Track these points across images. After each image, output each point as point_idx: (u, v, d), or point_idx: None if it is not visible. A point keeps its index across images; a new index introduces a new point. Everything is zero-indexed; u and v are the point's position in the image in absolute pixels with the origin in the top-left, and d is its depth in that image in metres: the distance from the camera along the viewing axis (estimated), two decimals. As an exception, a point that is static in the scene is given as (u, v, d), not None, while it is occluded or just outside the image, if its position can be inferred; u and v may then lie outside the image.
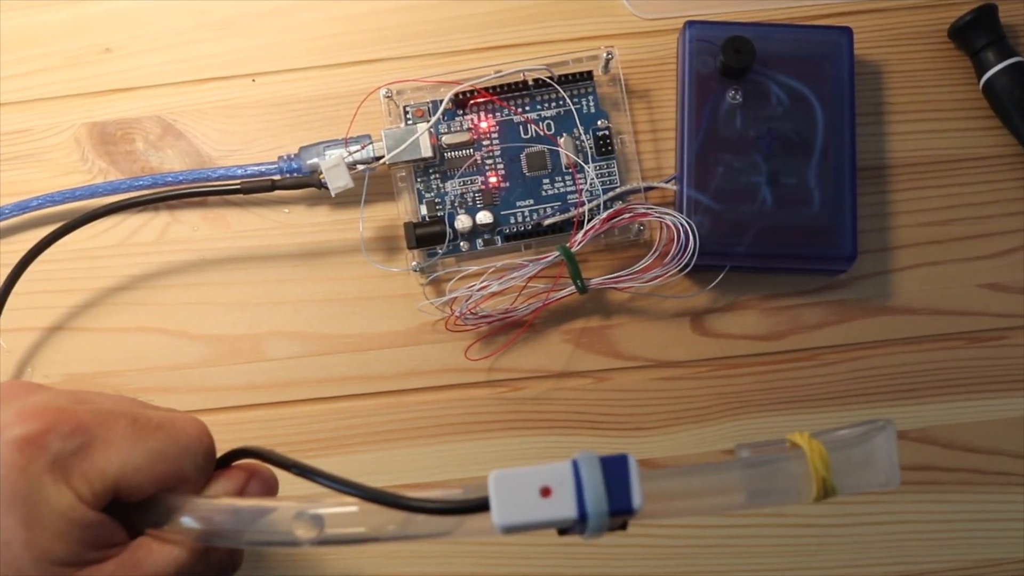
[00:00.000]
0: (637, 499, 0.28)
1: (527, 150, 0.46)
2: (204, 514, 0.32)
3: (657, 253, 0.45)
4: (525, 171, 0.46)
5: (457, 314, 0.45)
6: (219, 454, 0.35)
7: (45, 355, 0.46)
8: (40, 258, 0.46)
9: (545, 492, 0.28)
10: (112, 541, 0.31)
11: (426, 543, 0.45)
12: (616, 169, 0.46)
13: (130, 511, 0.32)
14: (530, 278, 0.45)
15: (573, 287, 0.45)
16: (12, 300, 0.45)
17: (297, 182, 0.45)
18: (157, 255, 0.47)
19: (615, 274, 0.45)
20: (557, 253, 0.45)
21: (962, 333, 0.47)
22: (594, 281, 0.45)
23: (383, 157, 0.45)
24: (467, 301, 0.45)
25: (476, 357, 0.46)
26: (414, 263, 0.46)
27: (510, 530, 0.28)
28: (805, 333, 0.47)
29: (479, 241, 0.46)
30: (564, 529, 0.29)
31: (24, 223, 0.48)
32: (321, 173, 0.45)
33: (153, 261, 0.47)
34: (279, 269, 0.47)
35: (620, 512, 0.28)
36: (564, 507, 0.28)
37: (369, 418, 0.46)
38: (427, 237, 0.45)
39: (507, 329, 0.46)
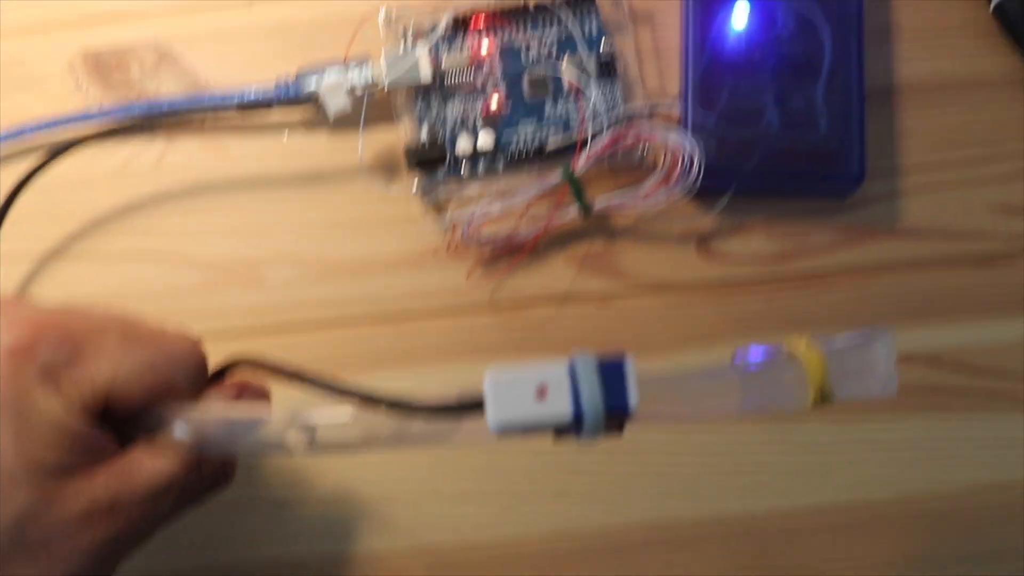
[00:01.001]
0: (633, 398, 0.28)
1: (529, 73, 0.45)
2: (196, 424, 0.32)
3: (661, 176, 0.44)
4: (527, 94, 0.46)
5: (459, 237, 0.44)
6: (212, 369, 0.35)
7: (42, 283, 0.46)
8: (36, 186, 0.45)
9: (541, 392, 0.28)
10: (103, 451, 0.31)
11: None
12: (619, 92, 0.46)
13: (121, 423, 0.32)
14: (533, 201, 0.44)
15: (576, 210, 0.44)
16: (7, 227, 0.44)
17: (296, 104, 0.44)
18: (155, 182, 0.47)
19: (619, 197, 0.44)
20: (560, 176, 0.44)
21: (970, 256, 0.47)
22: (598, 204, 0.44)
23: (382, 80, 0.44)
24: (468, 224, 0.44)
25: (478, 280, 0.45)
26: (415, 186, 0.45)
27: (505, 430, 0.28)
28: (812, 256, 0.47)
29: (480, 165, 0.45)
30: (560, 432, 0.29)
31: (19, 151, 0.47)
32: (320, 97, 0.44)
33: (150, 188, 0.47)
34: (277, 194, 0.46)
35: (616, 411, 0.28)
36: (560, 406, 0.28)
37: (369, 343, 0.46)
38: (427, 160, 0.45)
39: (509, 253, 0.46)
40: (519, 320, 0.46)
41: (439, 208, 0.46)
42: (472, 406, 0.28)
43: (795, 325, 0.46)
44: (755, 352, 0.32)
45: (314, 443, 0.31)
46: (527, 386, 0.28)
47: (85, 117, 0.46)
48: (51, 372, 0.29)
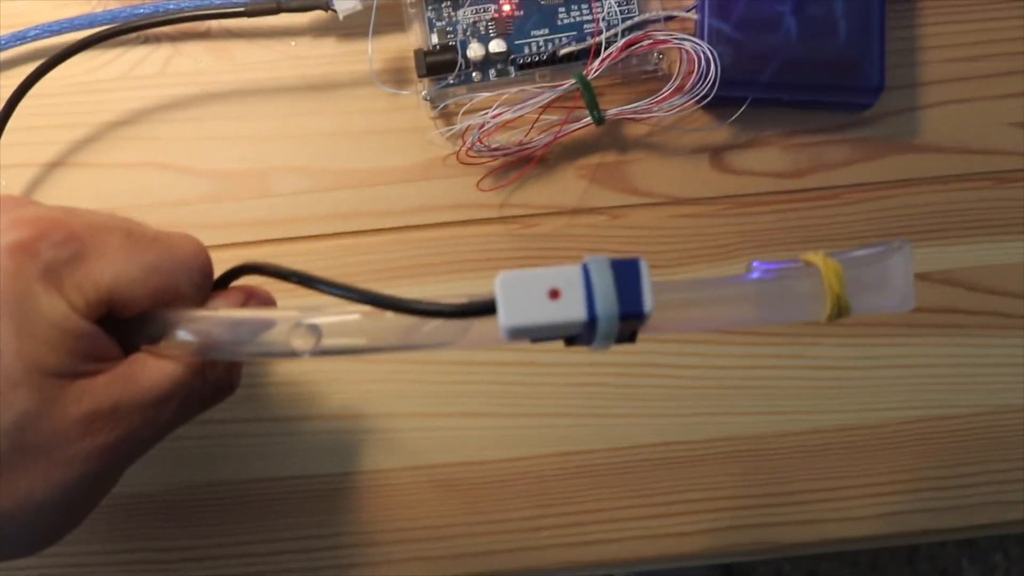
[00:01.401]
0: (648, 302, 0.27)
1: (542, -24, 0.44)
2: (201, 327, 0.31)
3: (676, 84, 0.43)
4: (540, -1, 0.44)
5: (468, 145, 0.43)
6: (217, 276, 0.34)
7: (45, 191, 0.45)
8: (39, 91, 0.44)
9: (554, 294, 0.27)
10: (106, 355, 0.30)
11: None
12: (635, -2, 0.44)
13: (124, 327, 0.31)
14: (545, 106, 0.43)
15: (589, 119, 0.44)
16: (10, 135, 0.44)
17: (304, 5, 0.43)
18: (159, 88, 0.46)
19: (632, 104, 0.43)
20: (573, 81, 0.43)
21: (991, 173, 0.46)
22: (611, 112, 0.43)
23: (392, -18, 0.43)
24: (479, 132, 0.43)
25: (488, 188, 0.44)
26: (424, 92, 0.44)
27: (517, 333, 0.27)
28: (828, 171, 0.46)
29: (492, 71, 0.45)
30: (571, 339, 0.28)
31: (22, 55, 0.46)
32: (328, -3, 0.43)
33: (155, 95, 0.46)
34: (285, 102, 0.45)
35: (630, 316, 0.27)
36: (573, 309, 0.27)
37: (377, 254, 0.45)
38: (438, 65, 0.44)
39: (520, 163, 0.45)
40: (529, 231, 0.45)
41: (449, 116, 0.45)
42: (483, 309, 0.27)
43: (809, 241, 0.45)
44: (771, 265, 0.31)
45: (320, 346, 0.30)
46: (539, 289, 0.27)
47: (89, 21, 0.45)
48: (54, 271, 0.28)
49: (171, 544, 0.45)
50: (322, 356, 0.30)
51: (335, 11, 0.42)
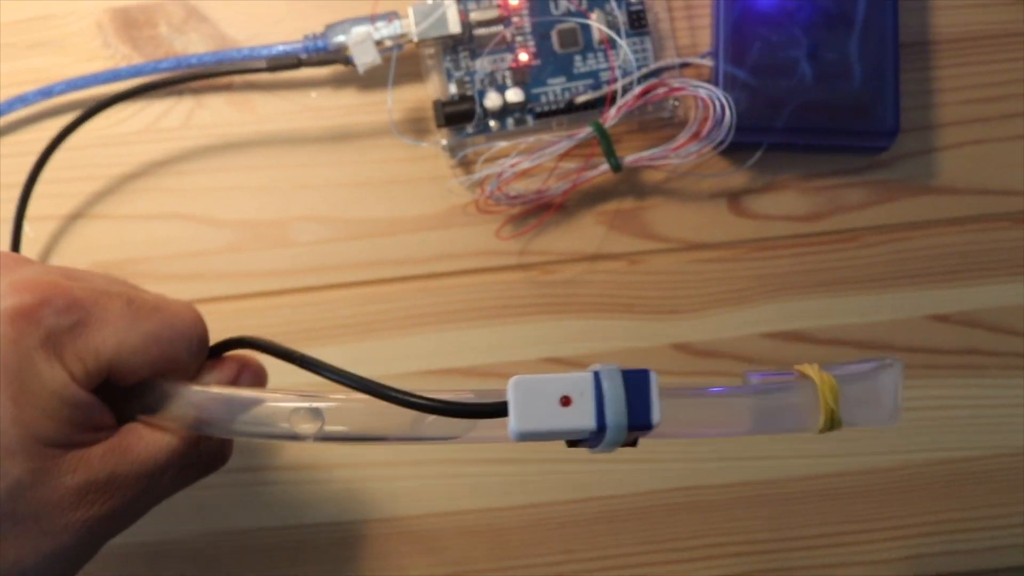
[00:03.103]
0: (656, 415, 0.27)
1: (558, 26, 0.45)
2: (200, 402, 0.30)
3: (693, 131, 0.44)
4: (556, 48, 0.45)
5: (487, 193, 0.44)
6: (214, 342, 0.34)
7: (70, 243, 0.46)
8: (64, 145, 0.45)
9: (565, 401, 0.27)
10: (101, 424, 0.30)
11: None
12: (650, 46, 0.45)
13: (119, 396, 0.30)
14: (562, 155, 0.44)
15: (606, 166, 0.44)
16: (36, 187, 0.44)
17: (324, 59, 0.44)
18: (182, 140, 0.46)
19: (649, 151, 0.44)
20: (590, 129, 0.43)
21: (1008, 213, 0.46)
22: (628, 159, 0.44)
23: (411, 32, 0.43)
24: (497, 180, 0.44)
25: (508, 236, 0.45)
26: (443, 142, 0.44)
27: (526, 437, 0.27)
28: (846, 214, 0.46)
29: (510, 120, 0.45)
30: (575, 441, 0.29)
31: (47, 110, 0.47)
32: (348, 50, 0.43)
33: (178, 147, 0.46)
34: (306, 153, 0.46)
35: (639, 427, 0.27)
36: (583, 417, 0.27)
37: (398, 303, 0.45)
38: (456, 115, 0.44)
39: (538, 210, 0.45)
40: (548, 278, 0.45)
41: (468, 165, 0.45)
42: (493, 411, 0.27)
43: (828, 284, 0.46)
44: (765, 375, 0.32)
45: (321, 432, 0.29)
46: (551, 395, 0.27)
47: (113, 76, 0.46)
48: (55, 339, 0.28)
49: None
50: (323, 441, 0.29)
51: (355, 65, 0.43)
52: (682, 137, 0.43)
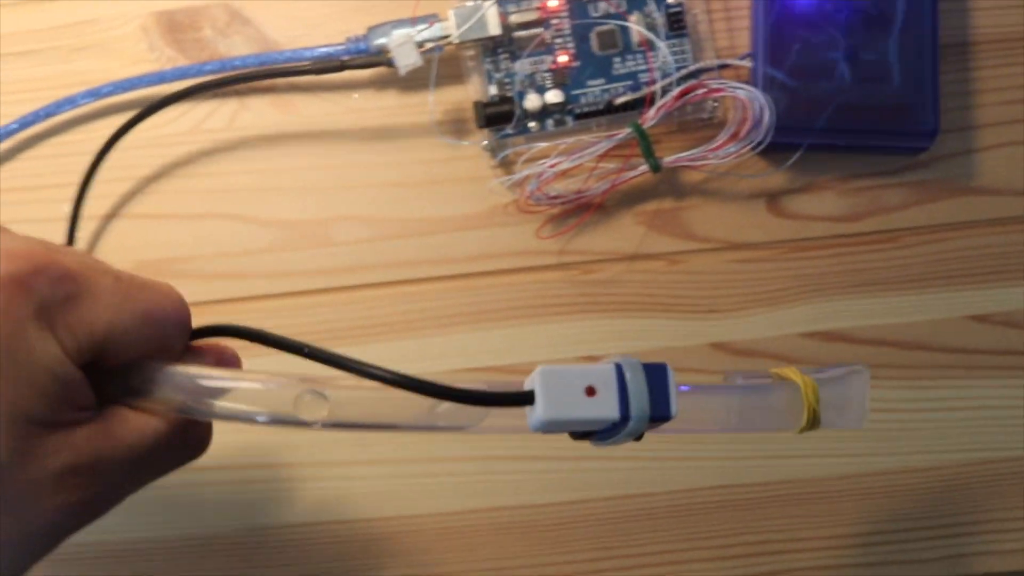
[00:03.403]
0: (675, 407, 0.28)
1: (597, 28, 0.45)
2: (191, 385, 0.28)
3: (732, 131, 0.44)
4: (595, 49, 0.45)
5: (528, 193, 0.44)
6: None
7: (115, 242, 0.47)
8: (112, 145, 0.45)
9: (590, 391, 0.27)
10: (85, 405, 0.27)
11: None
12: (689, 47, 0.45)
13: (103, 376, 0.28)
14: (602, 155, 0.44)
15: (645, 166, 0.44)
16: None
17: (366, 62, 0.45)
18: (226, 141, 0.47)
19: (688, 152, 0.44)
20: (629, 130, 0.44)
21: (1048, 214, 0.46)
22: (667, 159, 0.44)
23: (451, 34, 0.44)
24: (537, 181, 0.44)
25: (547, 236, 0.45)
26: (484, 143, 0.45)
27: (550, 426, 0.27)
28: (885, 214, 0.46)
29: (549, 121, 0.45)
30: (581, 434, 0.29)
31: (94, 112, 0.48)
32: (389, 52, 0.44)
33: (222, 148, 0.47)
34: (347, 153, 0.47)
35: (659, 419, 0.28)
36: (607, 407, 0.27)
37: (438, 301, 0.46)
38: (496, 116, 0.45)
39: (578, 211, 0.46)
40: (588, 277, 0.46)
41: (508, 165, 0.46)
42: (519, 399, 0.27)
43: (867, 285, 0.46)
44: (748, 375, 0.33)
45: (330, 418, 0.28)
46: (577, 385, 0.27)
47: (159, 78, 0.46)
48: (48, 310, 0.25)
49: None
50: (326, 428, 0.28)
51: (396, 67, 0.43)
52: (721, 138, 0.44)
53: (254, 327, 0.29)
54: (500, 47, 0.45)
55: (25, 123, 0.46)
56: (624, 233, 0.46)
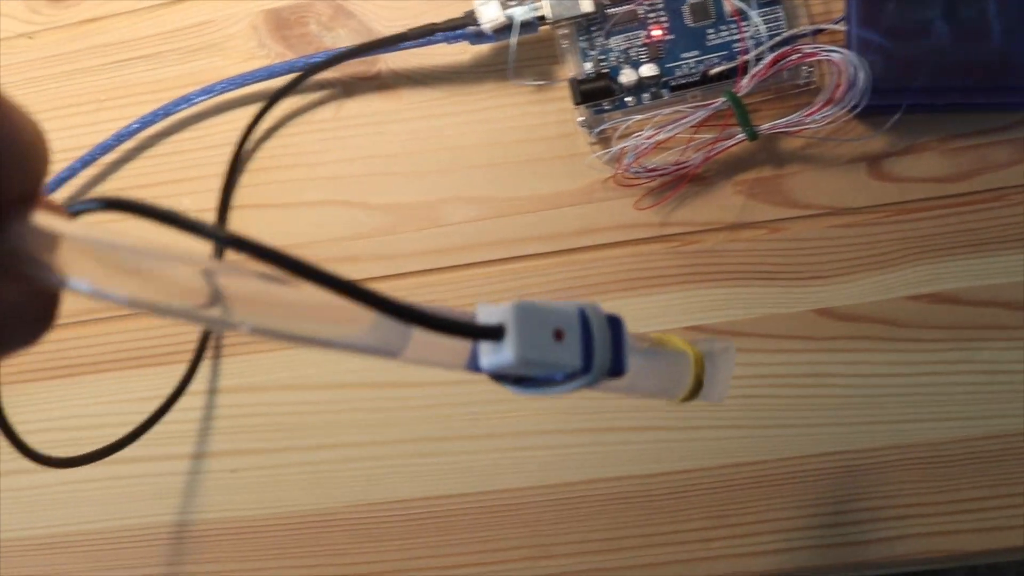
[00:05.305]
0: (627, 363, 0.26)
1: (689, 0, 0.46)
2: (75, 253, 0.20)
3: (827, 96, 0.44)
4: (688, 22, 0.46)
5: (625, 167, 0.45)
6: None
7: (236, 228, 0.49)
8: (224, 141, 0.48)
9: (558, 335, 0.24)
10: None
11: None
12: (782, 15, 0.46)
13: None
14: (697, 125, 0.45)
15: (742, 135, 0.44)
16: (205, 181, 0.47)
17: (455, 23, 0.46)
18: (335, 131, 0.49)
19: (785, 119, 0.44)
20: (724, 99, 0.44)
21: None
22: (764, 127, 0.44)
23: (546, 15, 0.45)
24: (635, 154, 0.45)
25: (647, 207, 0.46)
26: (580, 119, 0.46)
27: (514, 368, 0.24)
28: (991, 172, 0.45)
29: (645, 95, 0.46)
30: (500, 377, 0.25)
31: (208, 109, 0.50)
32: (486, 34, 0.45)
33: (332, 137, 0.49)
34: (452, 137, 0.48)
35: (614, 373, 0.25)
36: (570, 354, 0.24)
37: (545, 276, 0.47)
38: (592, 92, 0.46)
39: (676, 182, 0.46)
40: (689, 248, 0.46)
41: (606, 140, 0.47)
42: (485, 331, 0.24)
43: (974, 245, 0.45)
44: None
45: (247, 322, 0.21)
46: (548, 325, 0.24)
47: (268, 73, 0.49)
48: None
49: (359, 559, 0.47)
50: (243, 329, 0.21)
51: (483, 30, 0.44)
52: (817, 103, 0.44)
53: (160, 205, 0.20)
54: (593, 24, 0.46)
55: (145, 122, 0.49)
56: (724, 203, 0.46)
